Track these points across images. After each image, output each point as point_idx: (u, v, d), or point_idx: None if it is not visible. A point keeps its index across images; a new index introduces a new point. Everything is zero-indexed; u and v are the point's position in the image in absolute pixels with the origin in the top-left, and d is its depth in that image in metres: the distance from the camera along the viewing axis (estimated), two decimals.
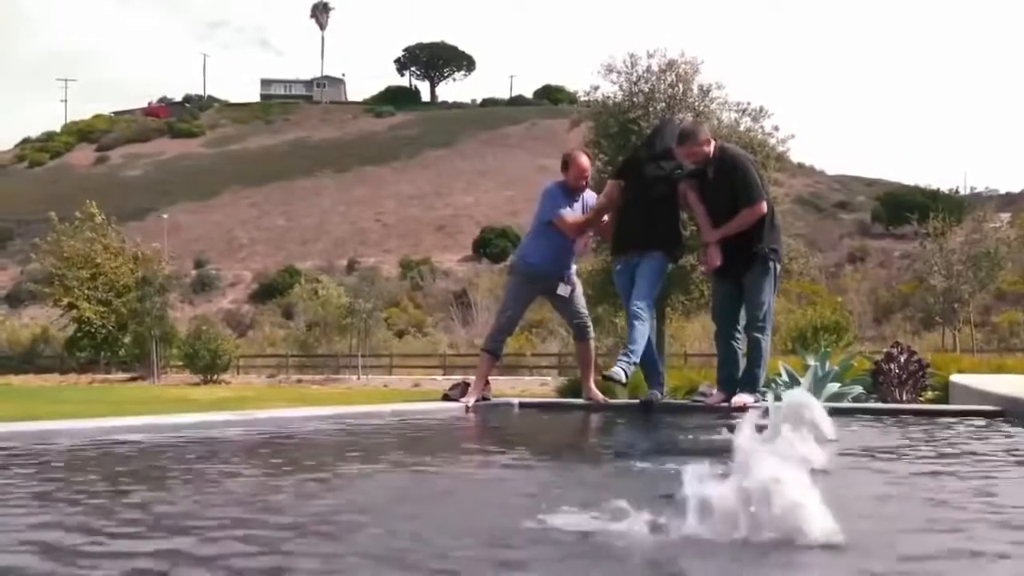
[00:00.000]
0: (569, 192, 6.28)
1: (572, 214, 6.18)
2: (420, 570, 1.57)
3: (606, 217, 6.24)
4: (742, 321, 6.28)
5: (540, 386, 23.70)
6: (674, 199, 6.06)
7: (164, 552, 1.66)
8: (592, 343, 6.60)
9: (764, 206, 5.81)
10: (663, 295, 21.18)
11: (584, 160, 6.38)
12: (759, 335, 5.90)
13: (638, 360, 5.91)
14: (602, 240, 6.71)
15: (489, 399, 6.22)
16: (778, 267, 6.03)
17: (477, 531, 1.90)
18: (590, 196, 6.41)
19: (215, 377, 34.61)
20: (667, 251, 6.12)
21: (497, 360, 6.44)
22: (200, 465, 3.17)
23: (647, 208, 6.00)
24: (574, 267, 6.48)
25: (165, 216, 61.07)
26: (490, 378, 6.48)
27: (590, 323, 6.53)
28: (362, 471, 3.00)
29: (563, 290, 6.26)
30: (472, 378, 6.34)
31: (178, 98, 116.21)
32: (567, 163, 6.34)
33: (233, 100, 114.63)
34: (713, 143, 5.95)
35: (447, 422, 5.35)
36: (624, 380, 5.81)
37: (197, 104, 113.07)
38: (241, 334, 46.54)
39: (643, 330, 5.91)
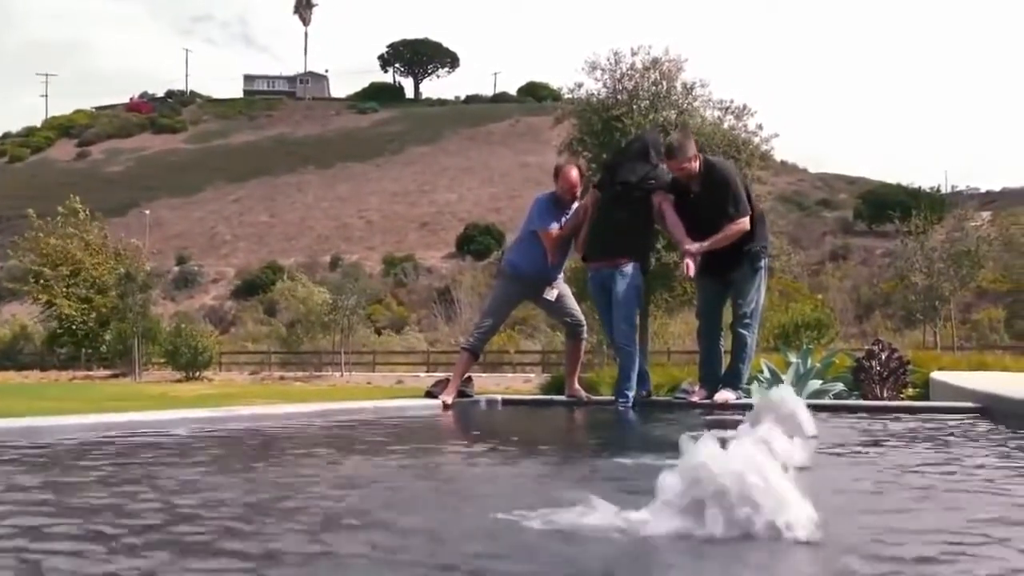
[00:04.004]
0: (558, 203, 6.26)
1: (558, 228, 6.17)
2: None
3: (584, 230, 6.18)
4: (726, 319, 6.30)
5: (524, 383, 23.72)
6: (646, 206, 5.95)
7: None
8: (583, 343, 6.62)
9: (747, 222, 5.81)
10: (646, 292, 21.22)
11: (573, 174, 6.25)
12: (745, 332, 5.91)
13: (633, 391, 5.87)
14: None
15: (472, 396, 6.21)
16: (766, 263, 6.07)
17: (463, 528, 1.90)
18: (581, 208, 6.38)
19: (197, 374, 34.46)
20: (638, 262, 5.96)
21: (476, 359, 6.42)
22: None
23: (618, 214, 5.93)
24: (560, 275, 6.46)
25: (147, 212, 60.80)
26: (473, 375, 6.48)
27: (583, 322, 6.53)
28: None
29: (549, 294, 6.27)
30: None
31: (160, 93, 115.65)
32: (558, 175, 6.30)
33: (216, 96, 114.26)
34: (699, 158, 5.92)
35: (429, 418, 5.34)
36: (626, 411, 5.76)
37: (180, 99, 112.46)
38: (223, 331, 46.32)
39: (631, 361, 5.89)
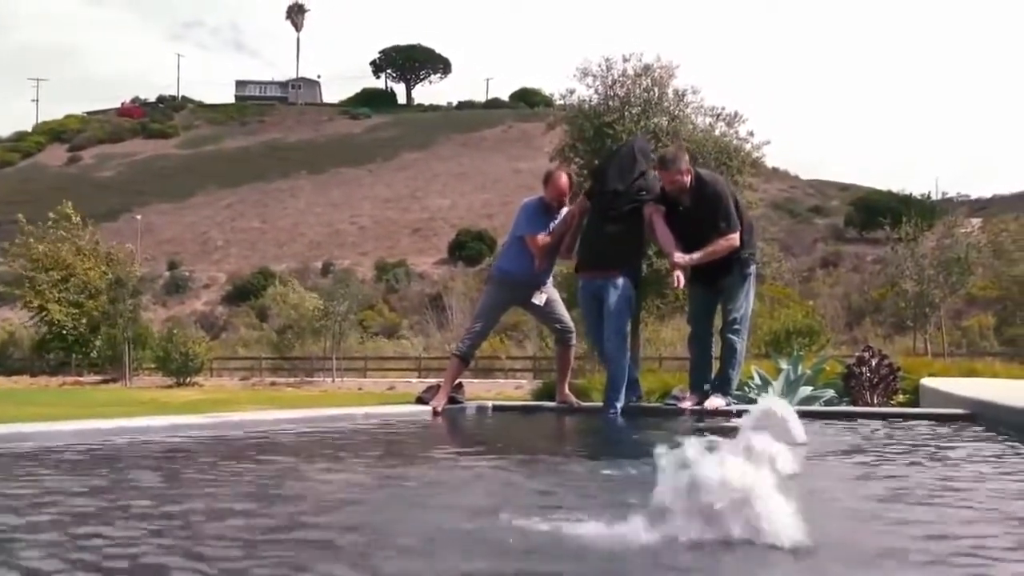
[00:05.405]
0: (547, 209, 6.25)
1: (545, 236, 6.17)
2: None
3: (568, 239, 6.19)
4: (717, 325, 6.30)
5: (515, 389, 23.70)
6: (638, 219, 5.94)
7: None
8: (573, 349, 6.62)
9: (737, 238, 5.81)
10: (638, 299, 21.20)
11: (563, 181, 6.23)
12: (734, 338, 5.91)
13: (621, 402, 5.87)
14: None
15: (462, 402, 6.20)
16: (755, 270, 6.08)
17: (445, 535, 1.89)
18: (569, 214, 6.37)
19: (188, 379, 34.34)
20: (629, 273, 5.95)
21: (467, 365, 6.41)
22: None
23: (610, 226, 5.91)
24: (549, 279, 6.45)
25: (138, 217, 60.62)
26: (464, 381, 6.47)
27: (572, 328, 6.52)
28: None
29: (538, 299, 6.26)
30: None
31: (152, 98, 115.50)
32: (547, 181, 6.29)
33: (208, 101, 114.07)
34: (691, 172, 5.91)
35: (419, 424, 5.33)
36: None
37: (171, 105, 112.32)
38: (215, 336, 46.18)
39: (621, 373, 5.89)
